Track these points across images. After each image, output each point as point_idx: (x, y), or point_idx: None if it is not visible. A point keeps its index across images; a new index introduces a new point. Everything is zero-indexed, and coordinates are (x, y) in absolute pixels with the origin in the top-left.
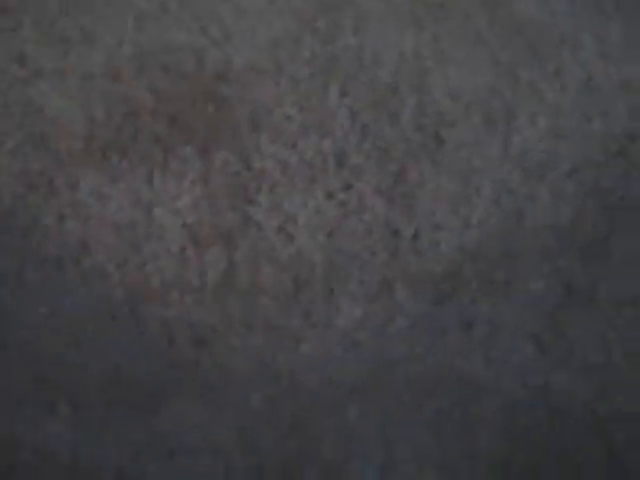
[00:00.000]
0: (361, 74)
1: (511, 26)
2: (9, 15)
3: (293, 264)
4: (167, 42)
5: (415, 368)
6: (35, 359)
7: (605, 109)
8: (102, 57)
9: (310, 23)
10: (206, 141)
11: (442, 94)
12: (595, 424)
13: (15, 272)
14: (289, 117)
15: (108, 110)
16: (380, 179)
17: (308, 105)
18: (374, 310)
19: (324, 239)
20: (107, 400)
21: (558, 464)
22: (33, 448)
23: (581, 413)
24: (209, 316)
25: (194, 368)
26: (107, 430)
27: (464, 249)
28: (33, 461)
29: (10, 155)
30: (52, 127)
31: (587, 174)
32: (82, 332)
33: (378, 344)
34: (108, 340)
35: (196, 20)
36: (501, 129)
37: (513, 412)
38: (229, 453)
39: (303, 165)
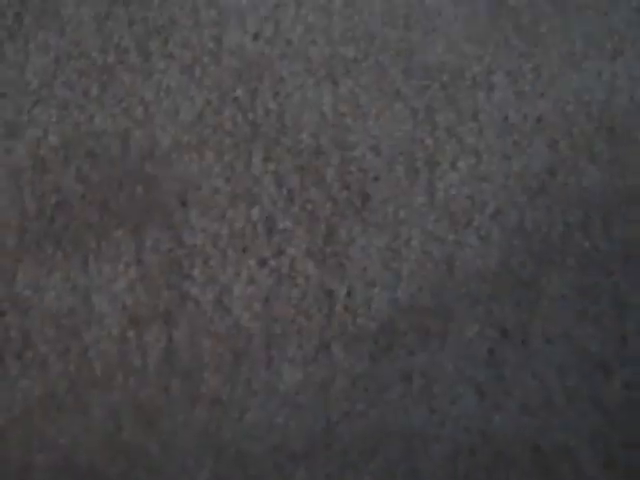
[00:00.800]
0: (283, 138)
1: (425, 74)
2: None
3: (231, 335)
4: (91, 128)
5: (358, 426)
6: None
7: (523, 147)
8: (28, 149)
9: (230, 93)
10: (137, 222)
11: (364, 149)
12: (539, 461)
13: None
14: (216, 189)
15: (39, 202)
16: (310, 241)
17: (234, 175)
18: (314, 372)
19: (260, 308)
20: None
21: None
22: None
23: (524, 452)
24: (153, 396)
25: (142, 450)
26: None
27: (397, 303)
28: None
29: None
30: None
31: (511, 215)
32: (27, 426)
33: (320, 406)
34: (55, 432)
35: (119, 103)
36: (425, 178)
37: (457, 459)
38: None
39: (234, 236)
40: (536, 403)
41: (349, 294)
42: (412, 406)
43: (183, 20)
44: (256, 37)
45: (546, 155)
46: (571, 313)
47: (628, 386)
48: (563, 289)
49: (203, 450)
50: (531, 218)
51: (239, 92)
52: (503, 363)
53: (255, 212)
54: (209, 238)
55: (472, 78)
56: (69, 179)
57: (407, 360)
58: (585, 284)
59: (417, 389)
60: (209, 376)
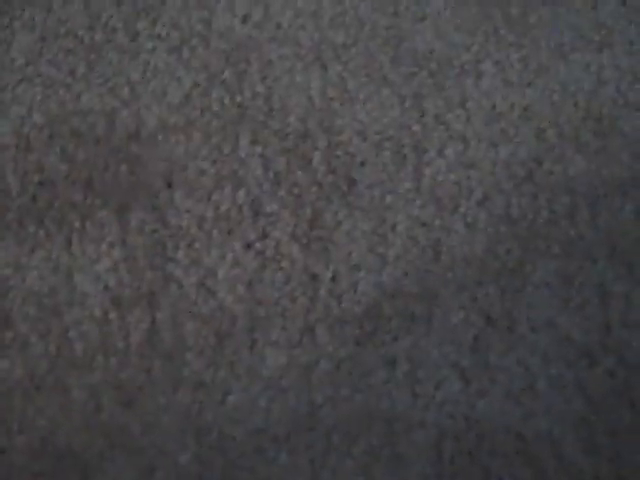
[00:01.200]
0: (271, 121)
1: (414, 61)
2: None
3: (215, 318)
4: (77, 107)
5: (342, 410)
6: None
7: (510, 135)
8: (12, 127)
9: (218, 76)
10: (122, 203)
11: (351, 134)
12: (522, 448)
13: None
14: (202, 171)
15: (22, 180)
16: (296, 225)
17: (220, 157)
18: (297, 356)
19: (244, 290)
20: (35, 473)
21: None
22: None
23: (508, 438)
24: (135, 377)
25: (123, 432)
26: None
27: (383, 288)
28: None
29: None
30: None
31: (498, 202)
32: (7, 407)
33: (303, 389)
34: (34, 413)
35: (105, 82)
36: (411, 164)
37: (441, 444)
38: None
39: (219, 218)
40: (520, 389)
41: (334, 278)
42: (396, 391)
43: (172, 1)
44: (245, 20)
45: (533, 144)
46: (556, 301)
47: (612, 375)
48: (548, 277)
49: (185, 432)
50: (517, 205)
51: (227, 74)
52: (488, 349)
53: (241, 195)
54: (194, 220)
55: (460, 66)
56: (53, 158)
57: (392, 345)
58: (570, 272)
59: (401, 374)
60: (192, 358)
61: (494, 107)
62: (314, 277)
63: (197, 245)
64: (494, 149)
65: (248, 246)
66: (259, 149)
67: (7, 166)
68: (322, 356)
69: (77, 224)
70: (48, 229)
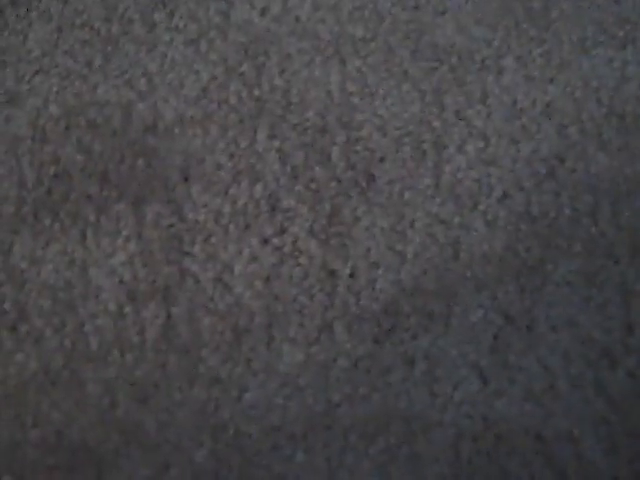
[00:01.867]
0: (289, 115)
1: (434, 56)
2: None
3: (232, 314)
4: (93, 99)
5: (360, 409)
6: None
7: (532, 132)
8: (28, 119)
9: (236, 69)
10: (138, 196)
11: (371, 130)
12: (542, 448)
13: None
14: (220, 165)
15: (38, 172)
16: (314, 221)
17: (238, 151)
18: (315, 353)
19: (261, 286)
20: (49, 467)
21: None
22: None
23: (527, 439)
24: (150, 373)
25: (138, 428)
26: None
27: (401, 285)
28: None
29: None
30: None
31: (518, 199)
32: (21, 401)
33: (320, 387)
34: (49, 407)
35: (122, 74)
36: (431, 160)
37: (459, 444)
38: None
39: (236, 213)
40: (540, 390)
41: (352, 275)
42: (414, 390)
43: None
44: (263, 13)
45: (555, 140)
46: (577, 300)
47: (633, 375)
48: (569, 275)
49: (201, 429)
50: (538, 203)
51: (245, 67)
52: (507, 349)
53: (258, 189)
54: (211, 214)
55: (481, 61)
56: (69, 150)
57: (410, 343)
58: (591, 271)
59: (419, 373)
60: (208, 354)
61: (515, 103)
62: (332, 273)
63: (214, 240)
64: (515, 146)
65: (265, 241)
66: (277, 143)
67: (23, 158)
68: (340, 354)
69: (92, 217)
70: (63, 222)
